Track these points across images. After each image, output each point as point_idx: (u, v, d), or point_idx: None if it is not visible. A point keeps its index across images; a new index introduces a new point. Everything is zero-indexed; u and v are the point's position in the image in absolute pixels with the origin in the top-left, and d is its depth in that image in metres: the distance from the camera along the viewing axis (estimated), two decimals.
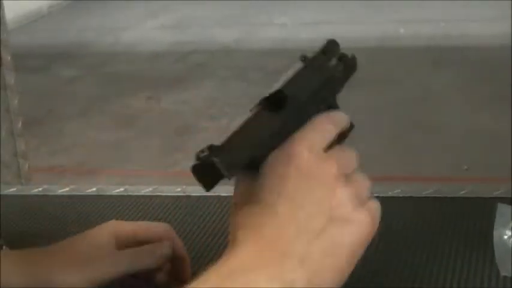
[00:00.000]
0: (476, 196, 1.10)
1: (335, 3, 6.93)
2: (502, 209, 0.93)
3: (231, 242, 0.67)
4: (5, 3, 2.43)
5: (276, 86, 0.72)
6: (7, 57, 2.33)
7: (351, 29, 6.23)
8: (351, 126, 0.75)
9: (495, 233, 0.92)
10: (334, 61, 0.78)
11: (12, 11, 3.07)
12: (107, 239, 0.92)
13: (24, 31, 6.85)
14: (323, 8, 6.92)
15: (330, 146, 0.70)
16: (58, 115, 4.92)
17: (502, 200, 0.99)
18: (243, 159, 0.68)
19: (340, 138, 0.72)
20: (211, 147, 0.67)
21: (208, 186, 0.69)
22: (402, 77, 5.03)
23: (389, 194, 1.16)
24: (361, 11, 6.80)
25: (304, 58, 0.75)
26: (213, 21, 6.91)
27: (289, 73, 0.74)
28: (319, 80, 0.76)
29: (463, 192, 1.11)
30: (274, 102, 0.71)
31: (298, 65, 0.75)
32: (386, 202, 1.14)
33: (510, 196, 1.03)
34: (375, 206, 0.69)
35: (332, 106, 0.76)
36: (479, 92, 4.56)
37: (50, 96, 5.28)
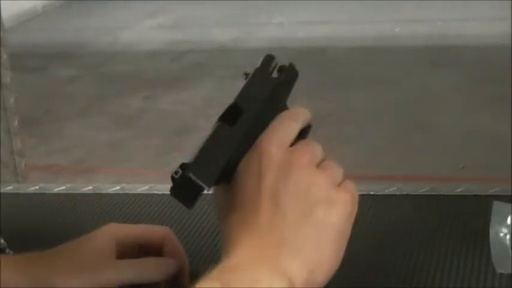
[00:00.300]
0: (473, 194, 1.10)
1: (334, 3, 6.93)
2: (498, 206, 0.93)
3: (226, 248, 0.70)
4: (1, 3, 2.43)
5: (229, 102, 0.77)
6: (3, 56, 2.34)
7: (350, 28, 6.24)
8: (310, 126, 0.79)
9: (491, 230, 0.92)
10: (275, 73, 0.82)
11: (7, 10, 3.07)
12: (107, 243, 0.91)
13: (19, 30, 6.85)
14: (322, 7, 6.92)
15: (294, 142, 0.74)
16: (56, 115, 4.92)
17: (498, 198, 0.99)
18: (216, 169, 0.71)
19: (302, 134, 0.76)
20: (183, 165, 0.70)
21: (190, 204, 0.72)
22: (401, 76, 5.03)
23: (386, 192, 1.16)
24: (360, 10, 6.80)
25: (246, 75, 0.80)
26: (210, 21, 6.91)
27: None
28: (266, 91, 0.80)
29: (459, 190, 1.12)
30: (231, 116, 0.75)
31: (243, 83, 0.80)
32: (383, 200, 1.15)
33: (506, 194, 1.03)
34: (351, 185, 0.72)
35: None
36: (478, 92, 4.56)
37: (47, 96, 5.28)
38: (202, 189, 0.70)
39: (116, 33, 6.94)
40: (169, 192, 0.67)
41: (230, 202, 0.72)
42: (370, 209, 1.10)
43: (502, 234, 0.90)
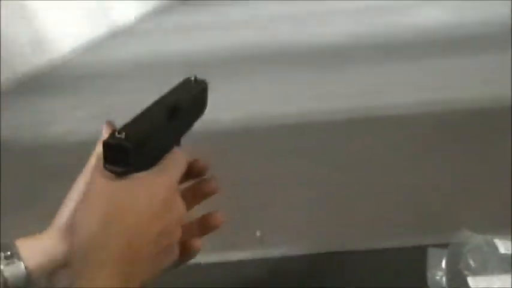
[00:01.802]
0: (410, 246, 1.19)
1: (260, 81, 7.06)
2: (433, 252, 1.02)
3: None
4: None
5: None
6: None
7: (273, 105, 6.36)
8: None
9: (428, 274, 1.01)
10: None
11: None
12: None
13: None
14: (248, 86, 7.03)
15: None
16: None
17: (434, 246, 1.08)
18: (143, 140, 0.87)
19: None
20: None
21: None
22: (338, 146, 5.11)
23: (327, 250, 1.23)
24: (284, 87, 6.94)
25: (195, 78, 1.01)
26: (138, 110, 6.96)
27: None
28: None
29: (398, 242, 1.20)
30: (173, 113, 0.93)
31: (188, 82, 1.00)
32: (321, 259, 1.22)
33: (440, 243, 1.12)
34: None
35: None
36: (408, 152, 4.68)
37: None
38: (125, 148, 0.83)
39: (46, 125, 6.95)
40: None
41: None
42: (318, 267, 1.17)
43: (437, 277, 0.99)
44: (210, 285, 1.14)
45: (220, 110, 6.44)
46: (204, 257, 1.07)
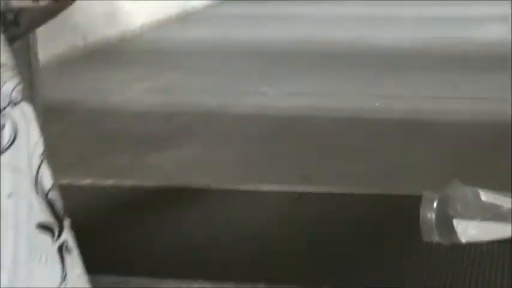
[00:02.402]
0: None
1: (321, 76, 7.25)
2: (427, 195, 1.22)
3: None
4: None
5: None
6: None
7: (331, 100, 6.54)
8: None
9: (421, 213, 1.20)
10: None
11: None
12: None
13: None
14: (308, 79, 7.22)
15: None
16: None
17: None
18: None
19: None
20: None
21: None
22: (377, 148, 5.26)
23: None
24: (343, 84, 7.10)
25: None
26: (198, 87, 7.20)
27: None
28: None
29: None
30: None
31: None
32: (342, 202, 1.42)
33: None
34: None
35: None
36: (445, 168, 4.81)
37: None
38: None
39: (106, 94, 7.20)
40: None
41: None
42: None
43: (429, 216, 1.19)
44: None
45: (280, 98, 6.66)
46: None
